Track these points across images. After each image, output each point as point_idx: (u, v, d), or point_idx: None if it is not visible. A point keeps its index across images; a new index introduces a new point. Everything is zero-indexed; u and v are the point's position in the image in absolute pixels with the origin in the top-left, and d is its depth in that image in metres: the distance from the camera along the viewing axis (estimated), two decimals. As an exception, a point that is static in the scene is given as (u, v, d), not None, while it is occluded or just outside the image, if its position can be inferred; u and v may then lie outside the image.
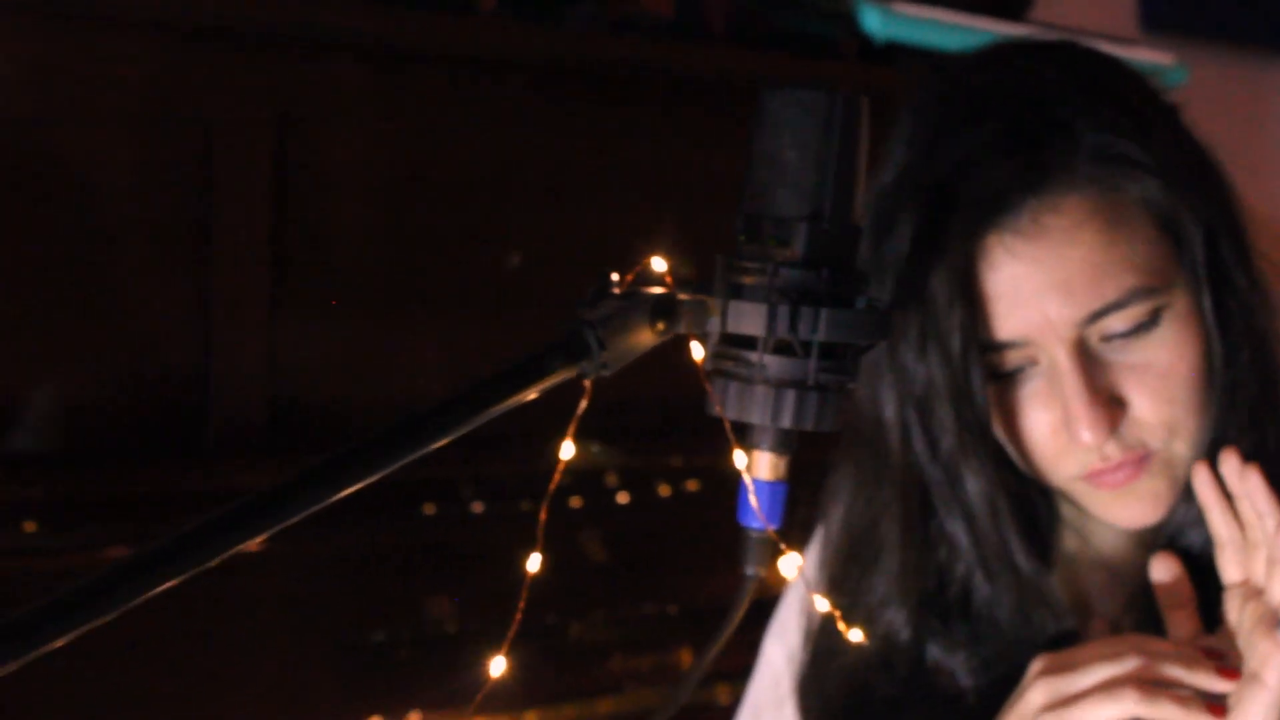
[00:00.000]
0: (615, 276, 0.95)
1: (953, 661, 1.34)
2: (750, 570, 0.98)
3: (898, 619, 1.35)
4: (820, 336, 0.95)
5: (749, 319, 0.96)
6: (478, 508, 2.11)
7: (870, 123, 0.98)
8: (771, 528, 0.97)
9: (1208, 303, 1.28)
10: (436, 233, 2.19)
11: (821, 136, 0.95)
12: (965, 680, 1.34)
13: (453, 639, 1.99)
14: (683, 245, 1.02)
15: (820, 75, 2.48)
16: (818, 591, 1.38)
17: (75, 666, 1.27)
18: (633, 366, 0.97)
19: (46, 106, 1.90)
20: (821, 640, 1.40)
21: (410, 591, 2.03)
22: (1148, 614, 1.30)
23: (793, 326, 0.95)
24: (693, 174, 2.30)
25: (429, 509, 2.08)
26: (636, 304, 0.93)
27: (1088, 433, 1.24)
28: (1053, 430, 1.27)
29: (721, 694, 1.95)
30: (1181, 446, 1.28)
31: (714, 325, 0.97)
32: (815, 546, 1.44)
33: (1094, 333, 1.25)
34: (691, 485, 2.29)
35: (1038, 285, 1.24)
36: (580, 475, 2.18)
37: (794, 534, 0.99)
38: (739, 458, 0.97)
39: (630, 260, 0.97)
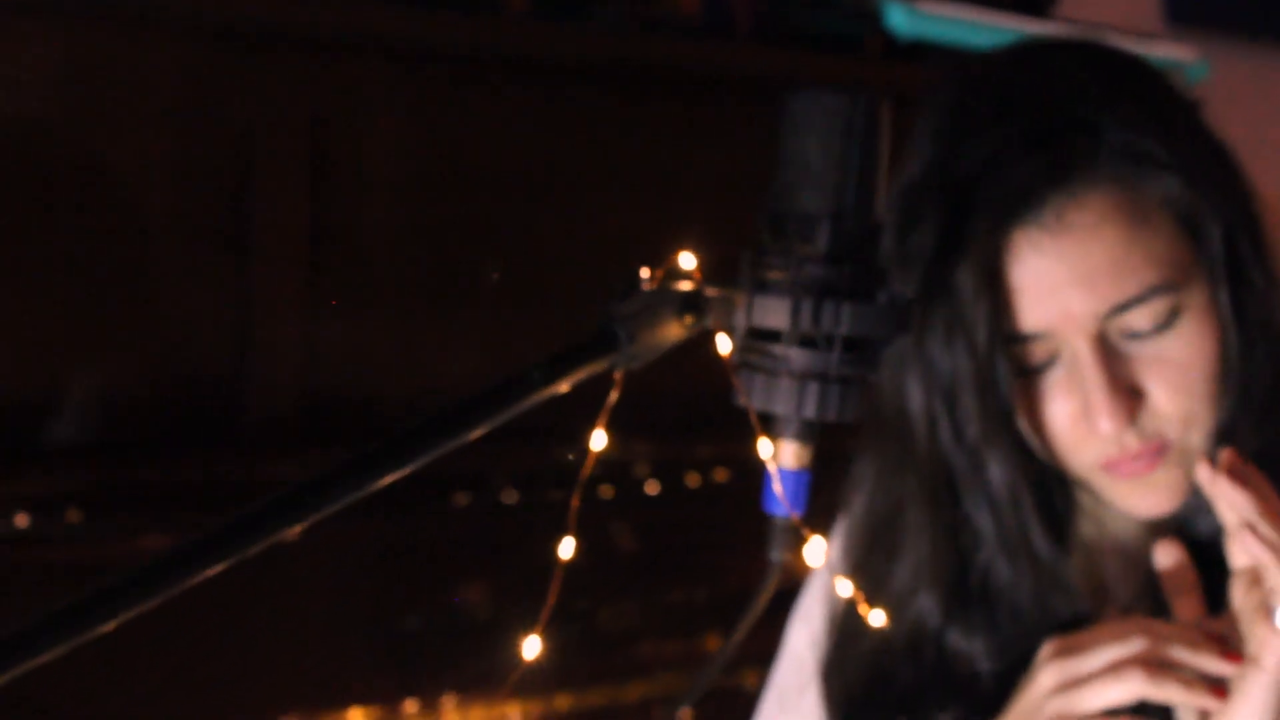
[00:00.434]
0: (644, 272, 0.97)
1: (972, 646, 1.36)
2: (775, 556, 0.99)
3: (925, 604, 1.36)
4: (842, 330, 0.96)
5: (774, 313, 0.97)
6: (510, 498, 2.13)
7: (893, 121, 1.00)
8: (796, 514, 0.99)
9: (1225, 299, 1.29)
10: (468, 229, 2.20)
11: (843, 137, 0.97)
12: (983, 664, 1.35)
13: (486, 626, 2.01)
14: (710, 242, 1.03)
15: (846, 74, 2.49)
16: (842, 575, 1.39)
17: (128, 649, 1.29)
18: (663, 359, 0.99)
19: (88, 108, 1.92)
20: (845, 625, 1.42)
21: (445, 580, 2.05)
22: (1162, 599, 1.32)
23: (816, 320, 0.96)
24: (719, 172, 2.32)
25: (462, 499, 2.10)
26: (665, 299, 0.95)
27: (1107, 422, 1.25)
28: (1073, 420, 1.29)
29: (749, 679, 1.97)
30: (1197, 438, 1.30)
31: (740, 319, 0.98)
32: (838, 534, 1.45)
33: (1114, 326, 1.27)
34: (720, 475, 2.31)
35: (1061, 279, 1.25)
36: (611, 465, 2.20)
37: (817, 522, 1.00)
38: (764, 446, 0.99)
39: (659, 256, 0.99)
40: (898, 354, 1.31)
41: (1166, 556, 1.31)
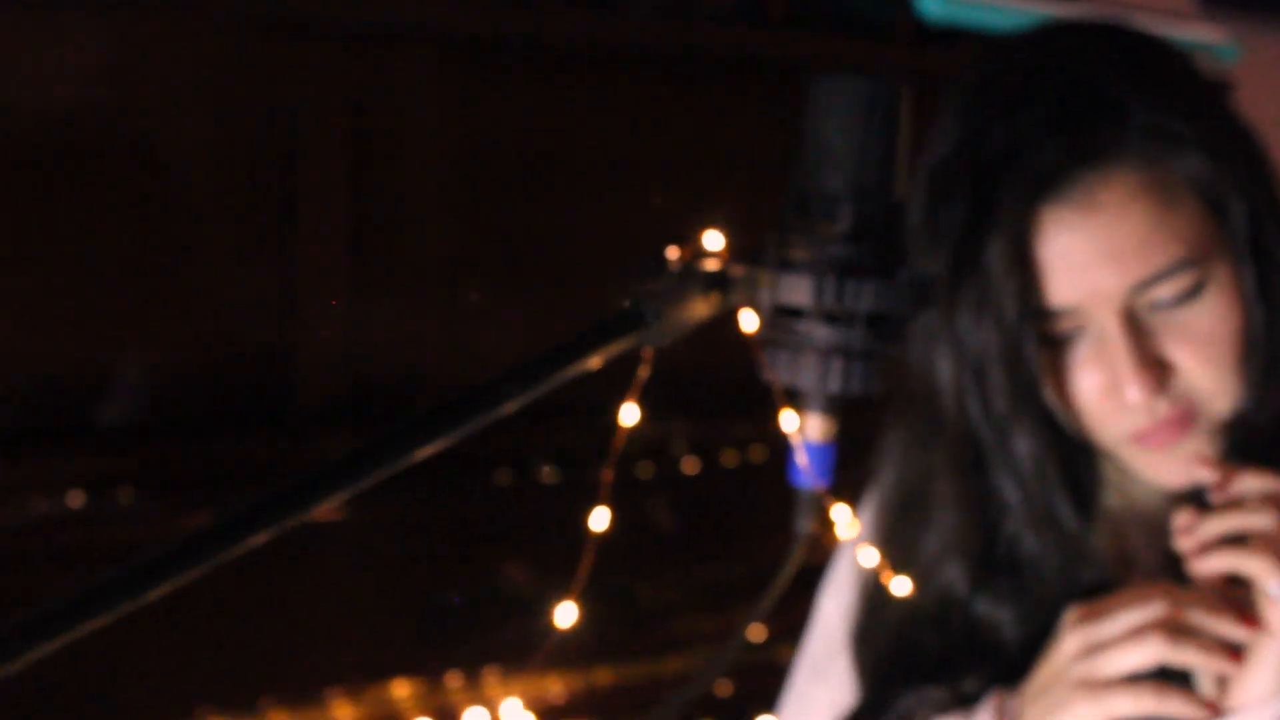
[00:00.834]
0: (673, 251, 0.98)
1: (999, 614, 1.37)
2: (801, 527, 1.00)
3: (953, 573, 1.37)
4: (864, 306, 0.98)
5: (798, 291, 0.99)
6: (549, 476, 2.14)
7: (921, 104, 1.01)
8: (821, 486, 1.00)
9: (1249, 276, 1.30)
10: (507, 213, 2.22)
11: (865, 120, 0.98)
12: (1009, 631, 1.36)
13: (527, 601, 2.02)
14: (739, 222, 1.04)
15: (877, 59, 2.49)
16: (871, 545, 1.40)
17: (182, 622, 1.31)
18: (702, 339, 1.00)
19: (139, 97, 1.94)
20: (874, 594, 1.43)
21: (487, 556, 2.07)
22: (1184, 569, 1.32)
23: (839, 297, 0.98)
24: (752, 154, 2.32)
25: (504, 477, 2.11)
26: (691, 277, 0.96)
27: (1136, 392, 1.26)
28: (1101, 393, 1.30)
29: (783, 654, 1.98)
30: (1223, 408, 1.31)
31: (765, 297, 1.00)
32: (867, 506, 1.46)
33: (1141, 300, 1.27)
34: (756, 452, 2.32)
35: (1089, 255, 1.26)
36: (649, 443, 2.21)
37: (842, 496, 1.01)
38: (789, 420, 1.00)
39: (689, 236, 1.00)
40: (926, 329, 1.32)
41: (1185, 525, 1.32)
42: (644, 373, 0.97)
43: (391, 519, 2.00)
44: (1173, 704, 1.24)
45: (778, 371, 1.00)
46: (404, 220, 2.14)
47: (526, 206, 2.23)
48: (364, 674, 1.94)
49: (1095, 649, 1.25)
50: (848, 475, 1.08)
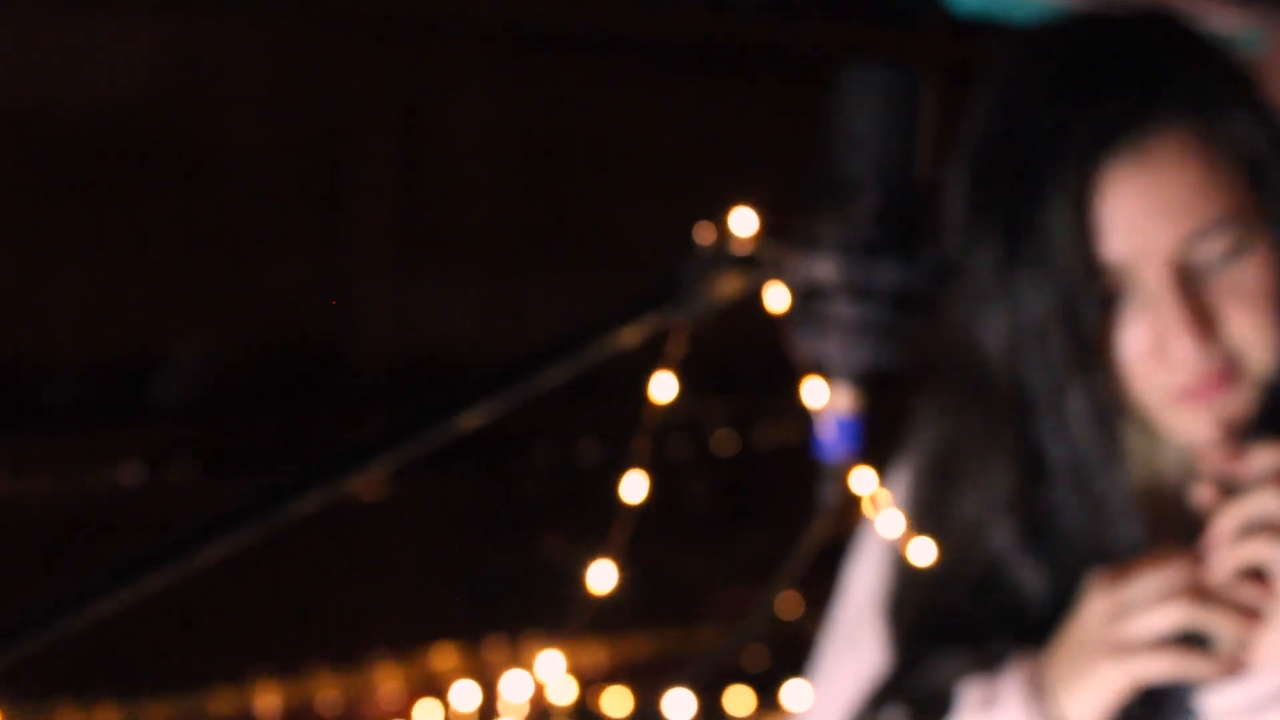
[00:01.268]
0: (705, 231, 1.00)
1: (1032, 576, 1.37)
2: (826, 497, 1.02)
3: (1002, 536, 1.37)
4: (889, 284, 0.99)
5: (826, 269, 1.00)
6: (590, 451, 2.15)
7: (950, 92, 1.03)
8: (847, 458, 1.01)
9: None
10: (552, 199, 2.23)
11: (888, 108, 1.00)
12: (1038, 594, 1.36)
13: (567, 571, 2.04)
14: (771, 205, 1.06)
15: (907, 49, 2.50)
16: (904, 512, 1.41)
17: (236, 586, 1.32)
18: (740, 317, 1.01)
19: (198, 89, 1.97)
20: (905, 559, 1.43)
21: (529, 527, 2.08)
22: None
23: (865, 274, 0.99)
24: (786, 141, 2.33)
25: (545, 451, 2.13)
26: (722, 256, 0.98)
27: (1184, 345, 1.27)
28: (1149, 348, 1.30)
29: (811, 624, 1.99)
30: (1263, 366, 1.31)
31: (794, 275, 1.01)
32: (895, 478, 1.47)
33: (1191, 255, 1.28)
34: (792, 429, 2.33)
35: (1142, 209, 1.27)
36: (687, 419, 2.23)
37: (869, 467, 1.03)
38: (815, 394, 1.02)
39: (722, 218, 1.02)
40: (968, 299, 1.32)
41: (1205, 494, 1.32)
42: (675, 347, 0.99)
43: (435, 493, 2.02)
44: (1196, 666, 1.25)
45: (806, 348, 1.01)
46: (451, 207, 2.16)
47: (570, 192, 2.24)
48: (409, 637, 1.96)
49: (1122, 612, 1.25)
50: (874, 451, 1.09)
